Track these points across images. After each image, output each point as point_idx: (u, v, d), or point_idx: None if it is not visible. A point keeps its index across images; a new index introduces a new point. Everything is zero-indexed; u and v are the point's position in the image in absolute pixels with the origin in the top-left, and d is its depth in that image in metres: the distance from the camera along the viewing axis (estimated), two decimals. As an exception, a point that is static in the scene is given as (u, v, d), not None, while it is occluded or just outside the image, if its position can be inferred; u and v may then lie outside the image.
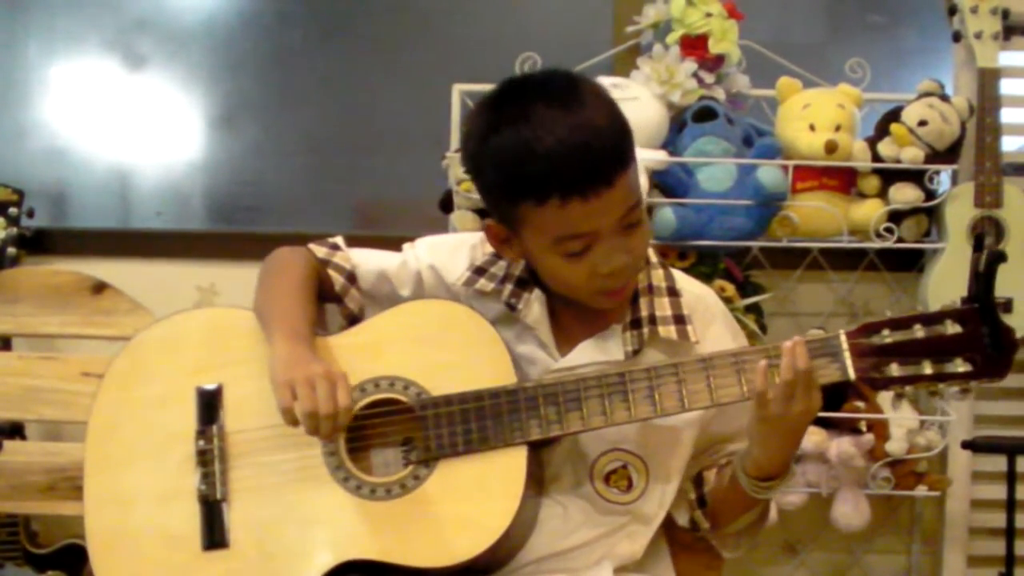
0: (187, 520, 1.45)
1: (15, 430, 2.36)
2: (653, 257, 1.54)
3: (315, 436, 1.37)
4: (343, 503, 1.42)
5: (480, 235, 1.55)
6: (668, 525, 1.59)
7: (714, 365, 1.39)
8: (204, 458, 1.47)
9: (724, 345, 1.52)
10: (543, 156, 1.33)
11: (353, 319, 1.57)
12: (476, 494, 1.39)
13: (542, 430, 1.40)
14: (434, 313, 1.49)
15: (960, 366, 1.36)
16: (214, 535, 1.44)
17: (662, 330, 1.48)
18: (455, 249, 1.58)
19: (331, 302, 1.57)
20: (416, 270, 1.57)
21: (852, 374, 1.37)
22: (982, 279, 1.39)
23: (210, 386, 1.50)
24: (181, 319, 1.58)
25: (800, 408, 1.35)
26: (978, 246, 1.43)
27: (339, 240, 1.62)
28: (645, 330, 1.48)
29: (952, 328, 1.37)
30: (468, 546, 1.36)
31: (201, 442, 1.48)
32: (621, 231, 1.39)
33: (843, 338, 1.38)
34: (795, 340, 1.36)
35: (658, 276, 1.53)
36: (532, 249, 1.43)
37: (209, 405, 1.49)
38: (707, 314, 1.55)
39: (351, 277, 1.57)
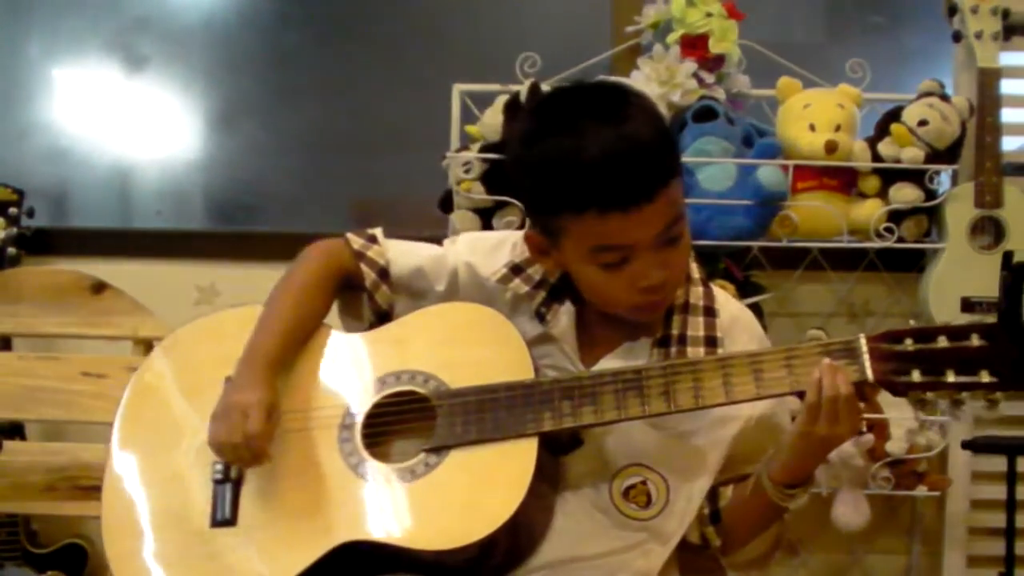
0: (199, 499, 1.47)
1: (15, 430, 2.36)
2: (695, 273, 1.53)
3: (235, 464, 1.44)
4: (352, 487, 1.43)
5: (519, 233, 1.55)
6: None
7: (731, 364, 1.39)
8: None
9: None
10: (586, 166, 1.33)
11: (380, 314, 1.58)
12: (483, 482, 1.39)
13: (554, 422, 1.40)
14: (460, 313, 1.50)
15: (985, 377, 1.33)
16: (222, 512, 1.46)
17: (691, 351, 1.47)
18: (496, 247, 1.56)
19: (362, 291, 1.58)
20: (453, 266, 1.56)
21: (870, 375, 1.35)
22: (1011, 294, 1.38)
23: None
24: (220, 315, 1.62)
25: (844, 429, 1.36)
26: (1006, 263, 1.41)
27: (377, 232, 1.61)
28: (673, 350, 1.47)
29: (978, 342, 1.35)
30: (468, 531, 1.36)
31: None
32: (661, 245, 1.39)
33: (863, 341, 1.37)
34: (830, 363, 1.35)
35: (696, 294, 1.51)
36: (570, 260, 1.42)
37: None
38: (742, 337, 1.53)
39: (383, 273, 1.56)
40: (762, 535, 1.54)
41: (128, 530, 1.48)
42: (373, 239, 1.59)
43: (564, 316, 1.50)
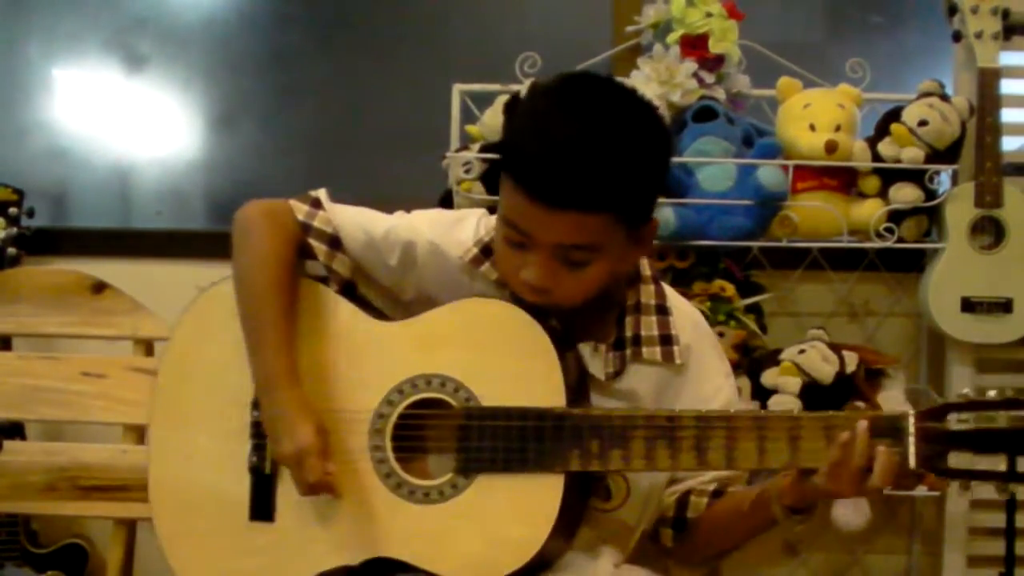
0: (239, 487, 1.48)
1: (15, 430, 2.36)
2: (646, 270, 1.52)
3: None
4: (381, 499, 1.43)
5: (482, 210, 1.54)
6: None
7: (768, 426, 1.34)
8: (257, 430, 1.49)
9: (712, 369, 1.51)
10: (530, 142, 1.34)
11: (346, 285, 1.54)
12: (507, 516, 1.38)
13: (582, 463, 1.37)
14: (494, 316, 1.45)
15: None
16: (261, 507, 1.47)
17: (646, 351, 1.47)
18: (457, 222, 1.54)
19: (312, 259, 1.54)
20: (407, 239, 1.51)
21: (913, 461, 1.28)
22: None
23: None
24: None
25: (866, 494, 1.31)
26: None
27: (321, 194, 1.57)
28: (628, 351, 1.47)
29: None
30: (490, 567, 1.36)
31: (256, 413, 1.49)
32: (557, 258, 1.37)
33: (911, 420, 1.28)
34: (869, 424, 1.28)
35: (648, 293, 1.50)
36: (498, 211, 1.43)
37: None
38: (696, 335, 1.53)
39: (334, 242, 1.52)
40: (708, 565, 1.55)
41: (177, 510, 1.51)
42: (317, 203, 1.55)
43: None
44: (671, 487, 1.52)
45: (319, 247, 1.52)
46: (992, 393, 1.27)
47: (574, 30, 2.76)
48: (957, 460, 1.27)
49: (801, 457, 1.33)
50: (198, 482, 1.51)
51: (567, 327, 1.48)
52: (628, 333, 1.48)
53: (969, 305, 2.36)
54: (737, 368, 2.30)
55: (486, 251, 1.49)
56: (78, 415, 2.09)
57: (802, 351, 2.30)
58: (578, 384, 1.45)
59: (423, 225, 1.54)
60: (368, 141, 2.80)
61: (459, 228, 1.52)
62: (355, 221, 1.54)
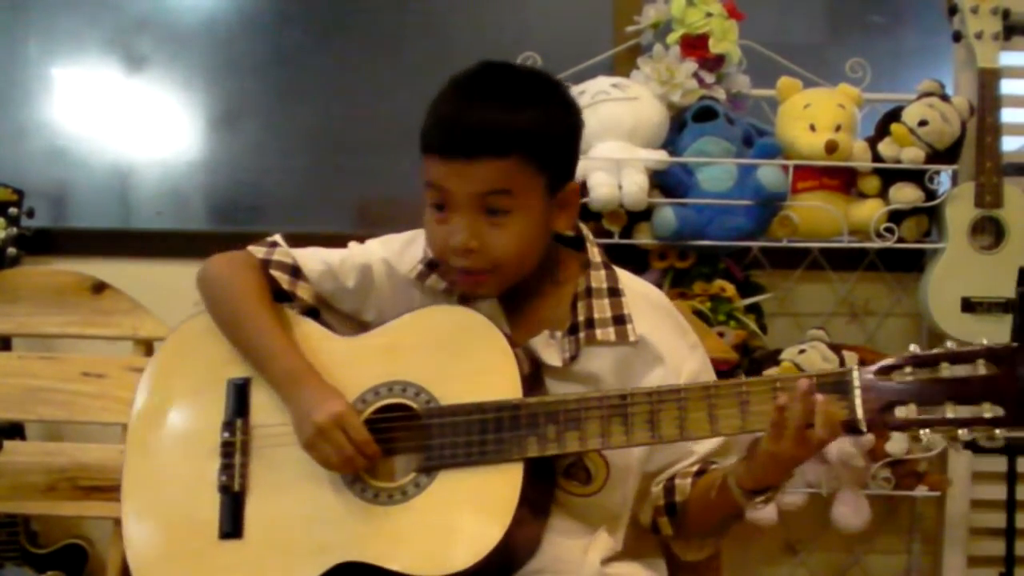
0: (208, 508, 1.49)
1: (15, 430, 2.36)
2: (597, 257, 1.54)
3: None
4: (347, 504, 1.44)
5: None
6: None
7: (718, 395, 1.36)
8: (226, 450, 1.51)
9: (671, 343, 1.52)
10: (435, 111, 1.45)
11: (311, 311, 1.58)
12: (471, 507, 1.40)
13: (540, 448, 1.40)
14: (451, 321, 1.49)
15: (987, 411, 1.23)
16: (229, 525, 1.48)
17: (600, 333, 1.48)
18: (409, 242, 1.58)
19: (282, 301, 1.58)
20: (363, 262, 1.57)
21: (860, 414, 1.28)
22: None
23: (239, 379, 1.53)
24: None
25: (815, 449, 1.30)
26: (1022, 282, 1.35)
27: (278, 237, 1.62)
28: (582, 335, 1.48)
29: (984, 368, 1.25)
30: (458, 559, 1.37)
31: (226, 434, 1.51)
32: (479, 211, 1.42)
33: (856, 374, 1.29)
34: (811, 383, 1.28)
35: (598, 278, 1.52)
36: (423, 187, 1.48)
37: (237, 398, 1.53)
38: (651, 312, 1.53)
39: (295, 271, 1.58)
40: (710, 540, 1.54)
41: (149, 535, 1.51)
42: (274, 244, 1.61)
43: (484, 303, 1.51)
44: (657, 477, 1.53)
45: (281, 276, 1.57)
46: (935, 350, 1.29)
47: (574, 30, 2.76)
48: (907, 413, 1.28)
49: (751, 421, 1.34)
50: (170, 507, 1.51)
51: (521, 315, 1.51)
52: (581, 317, 1.50)
53: (969, 305, 2.37)
54: (737, 368, 2.31)
55: (431, 265, 1.54)
56: (78, 415, 2.09)
57: (802, 351, 2.30)
58: (533, 375, 1.47)
59: (376, 247, 1.60)
60: (368, 141, 2.80)
61: (410, 248, 1.57)
62: (312, 254, 1.60)
